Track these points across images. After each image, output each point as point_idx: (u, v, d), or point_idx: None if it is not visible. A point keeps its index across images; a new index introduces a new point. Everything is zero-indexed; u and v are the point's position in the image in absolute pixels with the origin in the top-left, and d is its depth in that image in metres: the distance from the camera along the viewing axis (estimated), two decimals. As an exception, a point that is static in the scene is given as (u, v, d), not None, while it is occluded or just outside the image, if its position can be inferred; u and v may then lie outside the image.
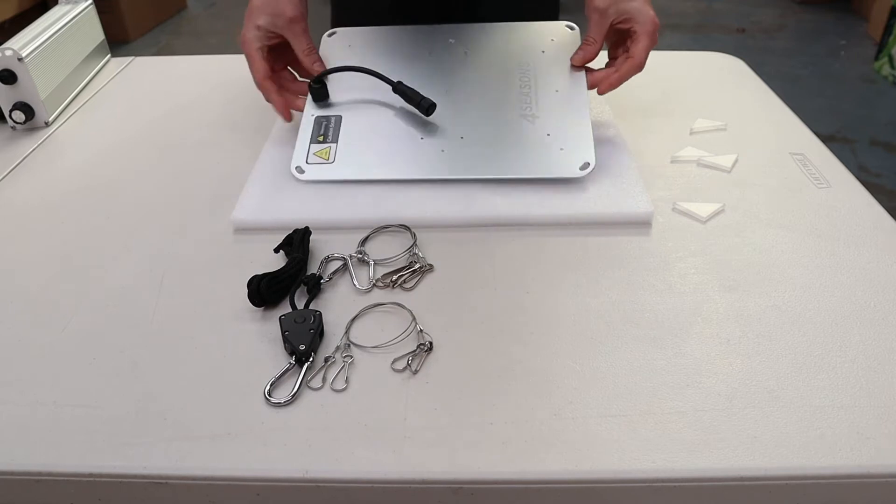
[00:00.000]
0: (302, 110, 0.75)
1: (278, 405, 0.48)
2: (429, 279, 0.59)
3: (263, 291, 0.55)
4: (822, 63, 2.95)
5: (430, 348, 0.52)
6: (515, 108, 0.73)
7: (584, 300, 0.56)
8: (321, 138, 0.72)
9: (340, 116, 0.74)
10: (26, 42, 0.83)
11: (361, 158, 0.70)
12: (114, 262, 0.62)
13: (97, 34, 1.00)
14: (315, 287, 0.57)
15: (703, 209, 0.66)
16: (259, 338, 0.54)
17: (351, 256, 0.61)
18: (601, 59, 0.75)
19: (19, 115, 0.82)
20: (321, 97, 0.75)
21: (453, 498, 0.44)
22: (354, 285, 0.59)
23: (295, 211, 0.66)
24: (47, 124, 0.85)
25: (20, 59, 0.80)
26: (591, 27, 0.72)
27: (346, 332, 0.54)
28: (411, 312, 0.55)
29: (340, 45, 0.80)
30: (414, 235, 0.63)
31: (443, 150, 0.70)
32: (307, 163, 0.70)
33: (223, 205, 0.68)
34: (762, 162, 0.75)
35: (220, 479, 0.44)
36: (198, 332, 0.54)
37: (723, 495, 0.44)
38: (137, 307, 0.57)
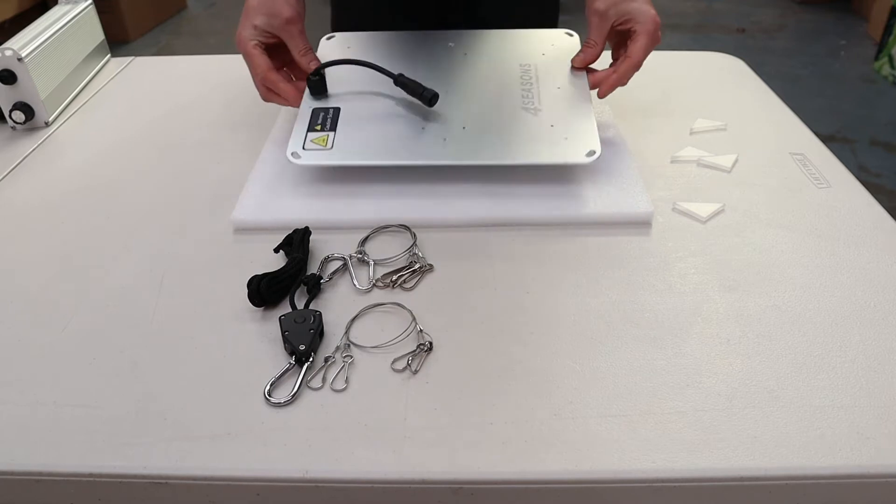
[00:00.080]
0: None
1: (278, 405, 0.48)
2: (429, 279, 0.59)
3: (263, 291, 0.55)
4: (822, 63, 2.95)
5: (430, 348, 0.52)
6: (517, 102, 0.72)
7: (584, 300, 0.56)
8: (318, 127, 0.70)
9: (339, 108, 0.72)
10: (26, 42, 0.83)
11: (360, 145, 0.68)
12: (114, 262, 0.62)
13: (97, 34, 1.00)
14: (315, 287, 0.57)
15: (703, 209, 0.66)
16: (259, 338, 0.54)
17: (351, 256, 0.61)
18: (603, 62, 0.74)
19: (19, 115, 0.82)
20: (319, 91, 0.73)
21: (453, 498, 0.44)
22: (354, 285, 0.59)
23: (295, 211, 0.66)
24: (47, 124, 0.85)
25: (20, 59, 0.80)
26: (592, 30, 0.72)
27: (346, 332, 0.54)
28: (411, 312, 0.55)
29: (338, 49, 0.80)
30: (414, 235, 0.63)
31: (445, 139, 0.68)
32: (304, 149, 0.68)
33: (223, 205, 0.68)
34: (762, 162, 0.75)
35: (220, 479, 0.44)
36: (198, 332, 0.54)
37: (723, 495, 0.44)
38: (137, 307, 0.57)
